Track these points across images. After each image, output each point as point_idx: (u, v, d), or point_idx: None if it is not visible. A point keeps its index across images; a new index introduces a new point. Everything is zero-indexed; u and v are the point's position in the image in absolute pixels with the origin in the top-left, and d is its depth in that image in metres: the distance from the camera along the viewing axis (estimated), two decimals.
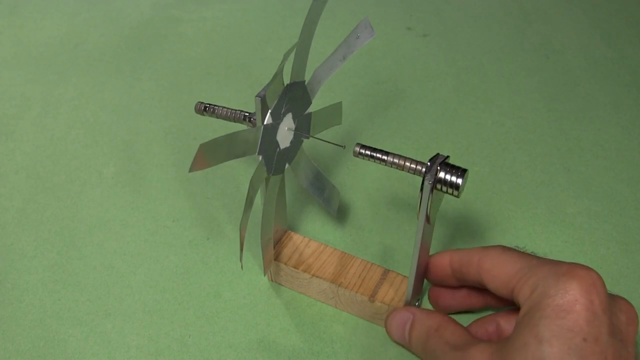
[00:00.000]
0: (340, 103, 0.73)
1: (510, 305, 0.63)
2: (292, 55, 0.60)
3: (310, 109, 0.66)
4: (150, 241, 0.76)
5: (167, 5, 1.20)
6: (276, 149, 0.61)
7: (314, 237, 0.75)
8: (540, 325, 0.49)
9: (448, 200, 0.81)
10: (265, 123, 0.58)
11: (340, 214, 0.79)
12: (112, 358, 0.65)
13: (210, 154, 0.52)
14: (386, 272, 0.69)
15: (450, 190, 0.55)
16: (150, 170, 0.85)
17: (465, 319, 0.67)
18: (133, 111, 0.95)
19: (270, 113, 0.58)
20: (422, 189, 0.55)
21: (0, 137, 0.90)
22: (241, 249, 0.61)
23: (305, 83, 0.63)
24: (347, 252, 0.73)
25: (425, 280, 0.67)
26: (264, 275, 0.70)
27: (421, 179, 0.55)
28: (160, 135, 0.91)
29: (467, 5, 1.20)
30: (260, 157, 0.59)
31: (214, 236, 0.77)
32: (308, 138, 0.66)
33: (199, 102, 0.67)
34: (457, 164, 0.82)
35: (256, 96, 0.57)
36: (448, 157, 0.56)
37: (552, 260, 0.54)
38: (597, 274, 0.51)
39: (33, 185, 0.83)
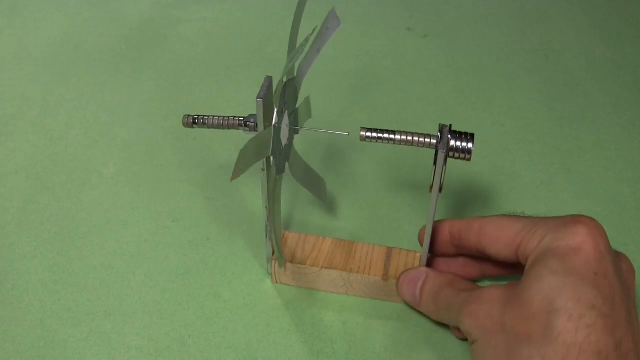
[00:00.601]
0: (308, 97, 0.72)
1: (508, 271, 0.66)
2: (285, 54, 0.60)
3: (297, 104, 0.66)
4: (150, 241, 0.76)
5: (167, 5, 1.19)
6: (280, 148, 0.61)
7: (311, 231, 0.75)
8: (553, 262, 0.53)
9: (449, 202, 0.81)
10: (274, 123, 0.58)
11: (340, 214, 0.79)
12: (112, 358, 0.65)
13: (243, 160, 0.53)
14: (389, 250, 0.71)
15: (462, 156, 0.57)
16: (150, 170, 0.85)
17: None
18: (133, 111, 0.95)
19: (277, 112, 0.58)
20: (435, 161, 0.57)
21: (0, 137, 0.90)
22: (281, 253, 0.62)
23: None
24: (353, 226, 0.74)
25: None
26: (281, 266, 0.70)
27: (433, 151, 0.57)
28: (160, 135, 0.91)
29: (467, 6, 1.20)
30: (272, 158, 0.59)
31: (214, 236, 0.77)
32: (294, 136, 0.66)
33: (186, 115, 0.64)
34: (457, 164, 0.82)
35: (257, 98, 0.56)
36: (451, 125, 0.57)
37: (554, 216, 0.57)
38: (598, 222, 0.54)
39: (33, 186, 0.83)
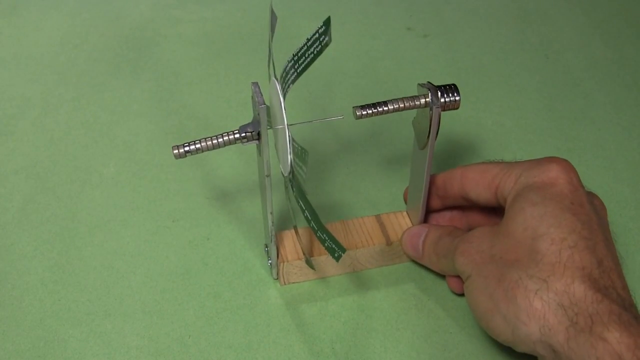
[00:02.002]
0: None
1: (492, 221, 0.70)
2: (280, 54, 0.60)
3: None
4: (150, 241, 0.76)
5: (167, 5, 1.19)
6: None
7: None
8: (531, 195, 0.57)
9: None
10: (287, 123, 0.57)
11: (339, 213, 0.79)
12: (112, 358, 0.65)
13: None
14: (379, 217, 0.74)
15: (452, 106, 0.62)
16: (150, 171, 0.85)
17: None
18: (133, 111, 0.95)
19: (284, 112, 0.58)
20: (431, 117, 0.60)
21: (0, 137, 0.90)
22: (338, 245, 0.62)
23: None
24: (340, 207, 0.76)
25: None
26: (338, 261, 0.67)
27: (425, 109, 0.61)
28: (160, 135, 0.91)
29: (467, 6, 1.20)
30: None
31: (214, 236, 0.77)
32: (286, 127, 0.66)
33: (174, 145, 0.59)
34: (457, 164, 0.82)
35: (260, 105, 0.55)
36: (430, 82, 0.61)
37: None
38: (569, 162, 0.59)
39: (33, 186, 0.83)
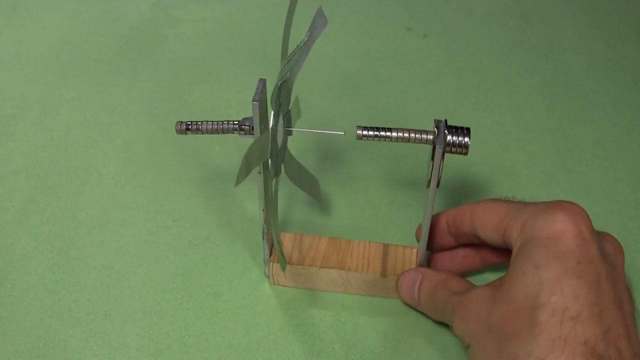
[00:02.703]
0: (297, 98, 0.72)
1: (507, 259, 0.64)
2: (278, 55, 0.60)
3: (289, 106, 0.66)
4: (150, 241, 0.76)
5: (167, 5, 1.19)
6: (277, 149, 0.61)
7: (308, 230, 0.76)
8: (534, 253, 0.53)
9: (447, 202, 0.81)
10: (271, 125, 0.58)
11: (340, 214, 0.79)
12: (112, 358, 0.65)
13: (246, 165, 0.53)
14: (386, 246, 0.71)
15: (459, 150, 0.58)
16: (151, 171, 0.85)
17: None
18: (133, 111, 0.95)
19: (273, 115, 0.58)
20: (433, 157, 0.57)
21: (0, 137, 0.90)
22: (283, 256, 0.62)
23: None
24: (349, 225, 0.75)
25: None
26: (283, 270, 0.70)
27: (430, 147, 0.58)
28: (160, 135, 0.91)
29: (468, 6, 1.20)
30: (270, 161, 0.59)
31: (214, 236, 0.77)
32: (288, 137, 0.66)
33: (178, 122, 0.63)
34: (457, 164, 0.82)
35: (253, 101, 0.56)
36: (446, 120, 0.58)
37: (539, 201, 0.57)
38: (580, 206, 0.54)
39: (33, 186, 0.83)
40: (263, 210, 0.64)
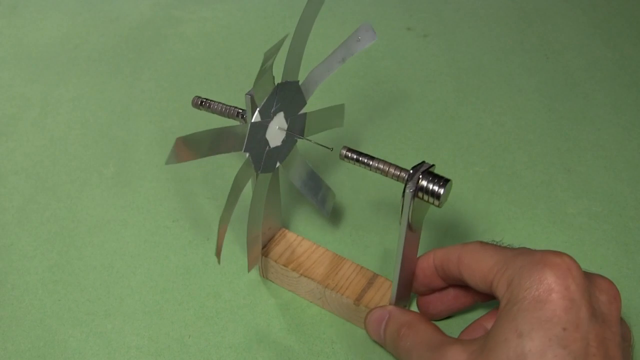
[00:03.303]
0: (342, 105, 0.73)
1: (494, 298, 0.62)
2: (284, 55, 0.60)
3: (305, 110, 0.66)
4: (150, 241, 0.76)
5: (167, 5, 1.20)
6: (265, 147, 0.61)
7: (312, 237, 0.75)
8: (518, 319, 0.49)
9: (447, 200, 0.81)
10: (253, 121, 0.58)
11: (339, 214, 0.79)
12: (112, 358, 0.65)
13: (192, 148, 0.53)
14: (375, 276, 0.68)
15: (431, 200, 0.54)
16: (151, 171, 0.85)
17: (460, 322, 0.67)
18: (133, 111, 0.95)
19: (259, 111, 0.58)
20: (403, 196, 0.55)
21: (0, 137, 0.90)
22: (219, 245, 0.61)
23: (300, 83, 0.63)
24: (346, 253, 0.73)
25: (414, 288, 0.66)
26: (248, 272, 0.71)
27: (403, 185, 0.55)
28: (160, 135, 0.91)
29: (467, 6, 1.20)
30: (247, 155, 0.59)
31: (214, 236, 0.77)
32: (297, 140, 0.66)
33: (196, 96, 0.67)
34: (457, 164, 0.82)
35: (246, 94, 0.57)
36: (433, 166, 0.55)
37: (526, 250, 0.54)
38: (570, 258, 0.50)
39: (33, 186, 0.83)
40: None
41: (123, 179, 0.84)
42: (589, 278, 0.52)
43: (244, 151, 0.58)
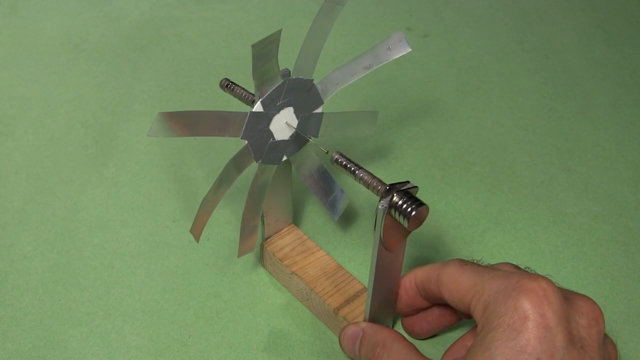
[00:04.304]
0: (375, 113, 0.72)
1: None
2: (297, 50, 0.60)
3: (321, 109, 0.66)
4: (150, 241, 0.76)
5: (167, 5, 1.20)
6: (269, 139, 0.61)
7: (318, 233, 0.75)
8: (492, 348, 0.48)
9: (448, 200, 0.81)
10: (253, 110, 0.58)
11: (345, 215, 0.79)
12: (112, 358, 0.65)
13: (184, 123, 0.53)
14: (363, 290, 0.68)
15: (402, 220, 0.53)
16: (151, 171, 0.85)
17: (448, 339, 0.67)
18: (133, 111, 0.95)
19: (262, 102, 0.58)
20: (376, 211, 0.54)
21: (0, 137, 0.90)
22: (196, 224, 0.61)
23: (315, 82, 0.63)
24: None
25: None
26: (237, 257, 0.71)
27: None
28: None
29: (468, 6, 1.20)
30: (246, 142, 0.59)
31: (214, 236, 0.77)
32: (309, 138, 0.66)
33: (225, 78, 0.69)
34: (457, 164, 0.82)
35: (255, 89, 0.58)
36: (415, 187, 0.54)
37: (503, 273, 0.52)
38: (547, 282, 0.49)
39: (33, 186, 0.83)
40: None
41: (123, 179, 0.84)
42: (569, 301, 0.51)
43: (242, 137, 0.58)
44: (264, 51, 0.55)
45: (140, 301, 0.70)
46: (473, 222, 0.79)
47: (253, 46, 0.53)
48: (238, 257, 0.68)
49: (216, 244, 0.76)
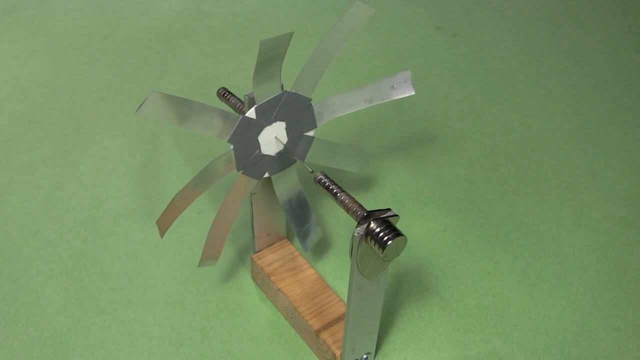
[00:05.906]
0: (363, 151, 0.70)
1: None
2: (308, 52, 0.59)
3: (313, 133, 0.64)
4: (174, 232, 0.77)
5: None
6: (255, 150, 0.60)
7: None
8: None
9: (472, 199, 0.81)
10: (246, 115, 0.57)
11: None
12: (134, 347, 0.65)
13: (175, 110, 0.53)
14: None
15: (377, 249, 0.51)
16: (177, 162, 0.86)
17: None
18: None
19: (255, 108, 0.58)
20: (352, 237, 0.52)
21: (28, 125, 0.91)
22: (165, 221, 0.61)
23: (313, 103, 0.62)
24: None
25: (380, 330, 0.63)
26: (197, 267, 0.71)
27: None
28: None
29: (497, 7, 1.19)
30: (232, 146, 0.58)
31: (237, 229, 0.77)
32: (296, 161, 0.64)
33: (223, 87, 0.68)
34: (483, 164, 0.82)
35: (245, 95, 0.57)
36: (396, 216, 0.52)
37: None
38: None
39: (60, 174, 0.84)
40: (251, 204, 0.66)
41: (149, 170, 0.85)
42: None
43: (228, 141, 0.58)
44: (272, 51, 0.54)
45: (163, 291, 0.70)
46: (497, 223, 0.78)
47: (261, 43, 0.52)
48: (198, 266, 0.67)
49: (240, 236, 0.76)
